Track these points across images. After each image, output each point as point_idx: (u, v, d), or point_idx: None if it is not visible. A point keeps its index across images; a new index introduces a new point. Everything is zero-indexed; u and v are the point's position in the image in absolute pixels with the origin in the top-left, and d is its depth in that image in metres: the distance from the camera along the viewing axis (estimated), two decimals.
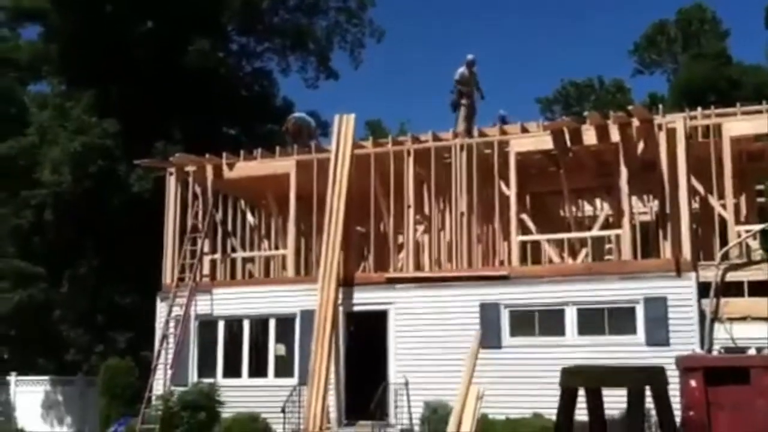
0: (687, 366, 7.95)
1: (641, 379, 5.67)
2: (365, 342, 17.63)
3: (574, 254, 17.73)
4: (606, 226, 18.01)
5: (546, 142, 17.02)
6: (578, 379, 5.71)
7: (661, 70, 53.04)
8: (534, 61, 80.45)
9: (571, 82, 55.13)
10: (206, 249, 19.29)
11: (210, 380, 17.81)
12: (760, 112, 16.60)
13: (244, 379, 18.16)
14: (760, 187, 18.90)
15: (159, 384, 18.25)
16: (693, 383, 7.78)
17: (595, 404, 5.65)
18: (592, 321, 15.87)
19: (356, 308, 17.56)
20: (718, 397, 7.78)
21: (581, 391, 5.59)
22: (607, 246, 18.90)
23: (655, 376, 5.60)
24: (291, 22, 32.23)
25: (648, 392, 5.47)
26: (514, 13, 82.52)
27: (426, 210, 18.55)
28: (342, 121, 18.46)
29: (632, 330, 15.53)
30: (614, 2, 77.98)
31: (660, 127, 16.07)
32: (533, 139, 17.43)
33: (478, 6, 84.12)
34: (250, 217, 20.68)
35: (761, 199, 19.00)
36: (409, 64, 73.57)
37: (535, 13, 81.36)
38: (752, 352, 8.86)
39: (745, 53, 71.28)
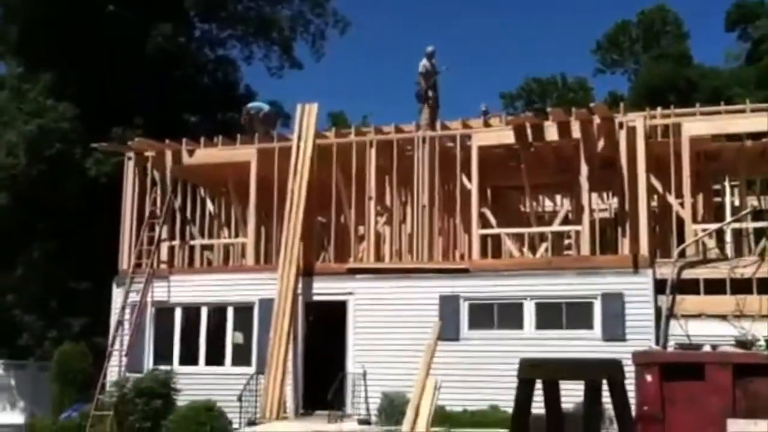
0: (643, 361, 8.04)
1: (599, 372, 5.71)
2: (325, 332, 17.59)
3: (533, 249, 17.87)
4: (566, 221, 18.16)
5: (508, 137, 17.10)
6: (536, 371, 5.73)
7: (623, 69, 53.75)
8: (498, 57, 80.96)
9: (534, 78, 55.60)
10: (164, 236, 19.06)
11: (166, 367, 17.64)
12: (718, 113, 16.87)
13: (201, 367, 18.01)
14: (717, 186, 19.21)
15: (114, 371, 18.03)
16: (649, 378, 7.87)
17: (553, 397, 5.68)
18: (550, 315, 16.01)
19: (316, 298, 17.51)
20: (672, 392, 7.88)
21: (539, 384, 5.63)
22: (567, 241, 19.10)
23: (612, 369, 5.65)
24: (254, 10, 31.94)
25: (605, 385, 5.53)
26: (479, 8, 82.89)
27: (387, 202, 18.54)
28: (304, 110, 18.35)
29: (589, 325, 15.70)
30: (578, 1, 78.68)
31: (620, 125, 16.24)
32: (495, 133, 17.51)
33: (446, 3, 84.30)
34: (210, 205, 20.48)
35: (718, 199, 19.29)
36: (373, 57, 73.60)
37: (500, 8, 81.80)
38: (707, 348, 8.97)
39: (705, 55, 72.37)
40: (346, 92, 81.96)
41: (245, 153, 18.67)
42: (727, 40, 49.33)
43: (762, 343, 8.33)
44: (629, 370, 8.75)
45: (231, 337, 17.98)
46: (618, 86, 49.12)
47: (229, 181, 19.38)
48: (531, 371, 5.71)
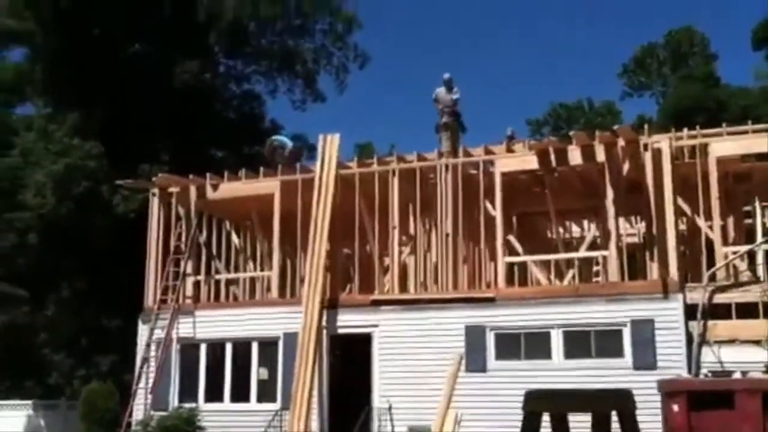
0: (669, 390, 7.73)
1: (606, 404, 5.46)
2: (350, 365, 17.39)
3: (561, 276, 17.55)
4: (593, 247, 17.83)
5: (531, 162, 16.88)
6: (542, 404, 5.49)
7: (650, 92, 53.31)
8: (525, 83, 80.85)
9: (561, 104, 55.35)
10: (189, 270, 19.02)
11: (191, 405, 17.52)
12: (746, 132, 16.51)
13: (226, 404, 17.85)
14: (748, 208, 18.77)
15: (139, 408, 17.93)
16: (676, 408, 7.56)
17: (561, 430, 5.43)
18: (579, 344, 15.65)
19: (340, 331, 17.30)
20: (701, 422, 7.57)
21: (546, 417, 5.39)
22: (595, 268, 18.73)
23: (621, 399, 5.40)
24: (278, 44, 32.21)
25: (615, 416, 5.27)
26: (506, 34, 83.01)
27: (411, 231, 18.36)
28: (326, 141, 18.30)
29: (619, 353, 15.31)
30: (605, 25, 78.52)
31: (645, 147, 15.94)
32: (518, 159, 17.28)
33: (470, 30, 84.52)
34: (234, 238, 20.44)
35: (749, 221, 18.85)
36: (400, 89, 73.85)
37: (526, 35, 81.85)
38: (737, 375, 8.64)
39: (733, 75, 71.71)
40: (373, 124, 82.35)
41: (268, 185, 18.64)
42: (755, 58, 48.72)
43: None
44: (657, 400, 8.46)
45: (256, 373, 17.81)
46: (646, 109, 48.69)
47: (253, 214, 19.35)
48: (536, 404, 5.49)
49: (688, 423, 7.56)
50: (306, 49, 32.81)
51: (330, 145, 18.20)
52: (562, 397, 5.72)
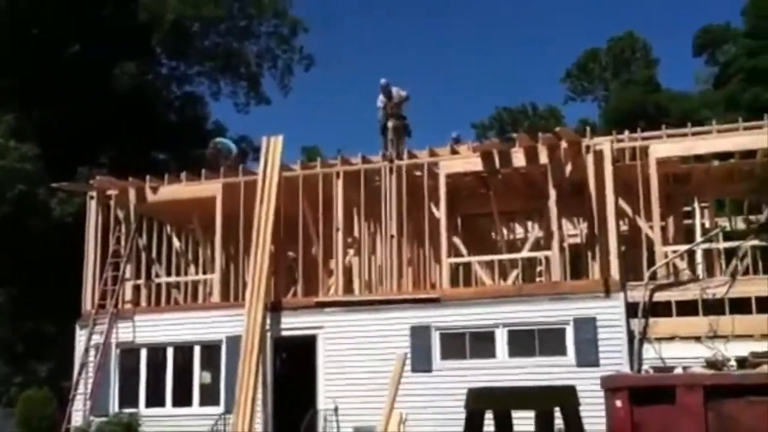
0: (612, 386, 7.76)
1: (550, 400, 5.42)
2: (295, 367, 17.23)
3: (505, 276, 17.63)
4: (537, 247, 17.96)
5: (476, 164, 16.93)
6: (485, 402, 5.43)
7: (593, 97, 54.16)
8: (470, 88, 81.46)
9: (506, 108, 55.90)
10: (128, 275, 18.65)
11: (132, 410, 17.18)
12: (685, 135, 16.79)
13: (168, 409, 17.52)
14: (688, 209, 19.12)
15: (78, 415, 17.51)
16: (618, 404, 7.59)
17: (504, 427, 5.39)
18: (523, 343, 15.74)
19: (285, 333, 17.12)
20: (643, 417, 7.60)
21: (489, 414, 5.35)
22: (539, 268, 18.88)
23: (564, 396, 5.37)
24: (221, 46, 31.82)
25: (558, 413, 5.25)
26: (450, 38, 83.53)
27: (356, 233, 18.27)
28: (269, 143, 18.10)
29: (562, 351, 15.43)
30: (548, 30, 79.55)
31: (587, 149, 16.12)
32: (463, 161, 17.32)
33: (416, 31, 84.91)
34: (176, 242, 20.08)
35: (688, 221, 19.19)
36: (349, 92, 73.76)
37: (471, 39, 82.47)
38: (678, 371, 8.72)
39: (675, 80, 73.25)
40: (321, 128, 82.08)
41: (210, 188, 18.37)
42: (695, 64, 49.91)
43: (733, 363, 8.09)
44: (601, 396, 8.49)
45: (198, 377, 17.54)
46: (589, 113, 49.44)
47: (195, 218, 19.04)
48: (479, 402, 5.42)
49: (630, 418, 7.59)
50: (250, 51, 32.48)
51: (273, 147, 18.01)
52: (505, 395, 5.68)
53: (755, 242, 15.09)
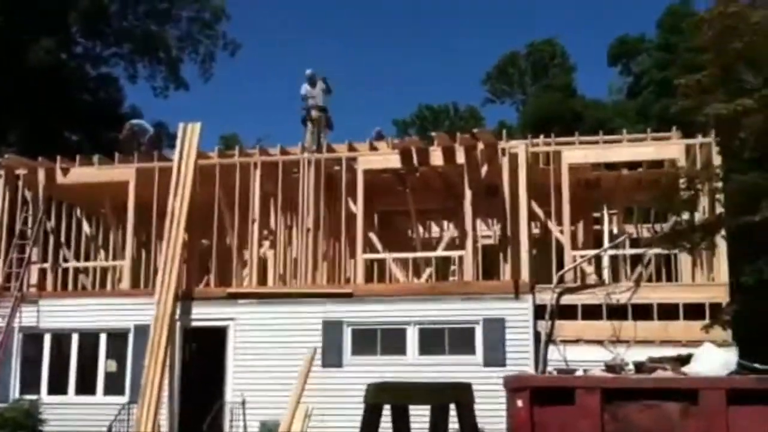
0: (514, 386, 7.94)
1: (445, 396, 5.55)
2: (207, 359, 17.04)
3: (419, 274, 17.82)
4: (452, 247, 18.20)
5: (394, 161, 17.05)
6: (383, 396, 5.53)
7: (512, 100, 55.01)
8: (394, 84, 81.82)
9: (428, 106, 56.29)
10: (35, 258, 18.11)
11: (33, 397, 16.72)
12: (596, 142, 17.26)
13: (71, 397, 17.12)
14: (598, 214, 19.65)
15: None
16: (519, 403, 7.77)
17: (401, 422, 5.49)
18: (434, 340, 15.95)
19: (195, 324, 16.92)
20: (543, 417, 7.81)
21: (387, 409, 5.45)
22: (453, 267, 19.14)
23: (459, 392, 5.51)
24: (140, 27, 31.09)
25: (454, 409, 5.40)
26: (377, 33, 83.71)
27: (272, 225, 18.17)
28: (187, 129, 17.83)
29: (471, 350, 15.70)
30: (472, 32, 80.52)
31: (503, 152, 16.42)
32: (381, 157, 17.43)
33: (340, 26, 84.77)
34: (86, 226, 19.61)
35: (598, 227, 19.73)
36: (272, 82, 73.13)
37: (398, 35, 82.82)
38: (579, 373, 8.98)
39: (591, 88, 75.05)
40: (243, 116, 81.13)
41: (123, 173, 17.99)
42: (611, 73, 51.30)
43: (631, 367, 8.39)
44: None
45: (104, 365, 17.19)
46: (507, 116, 50.26)
47: (107, 202, 18.63)
48: (377, 395, 5.51)
49: (530, 418, 7.78)
50: (171, 35, 31.82)
51: (191, 134, 17.75)
52: (403, 390, 5.78)
53: (658, 250, 15.61)
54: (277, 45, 79.75)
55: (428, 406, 5.69)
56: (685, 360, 8.27)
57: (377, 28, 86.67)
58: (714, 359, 8.11)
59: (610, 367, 8.40)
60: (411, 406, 5.66)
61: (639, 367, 8.33)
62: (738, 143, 9.87)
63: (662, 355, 8.70)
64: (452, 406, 5.54)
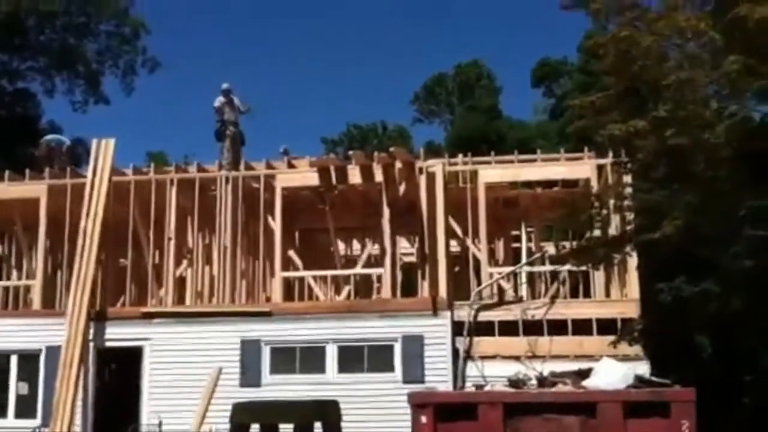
0: (417, 402, 7.99)
1: (310, 414, 5.57)
2: (123, 380, 16.70)
3: (339, 292, 17.80)
4: (373, 264, 18.23)
5: (313, 179, 17.03)
6: (248, 415, 5.52)
7: (440, 119, 55.62)
8: (322, 102, 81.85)
9: (356, 125, 56.48)
10: None
11: None
12: (511, 161, 17.56)
13: None
14: (517, 232, 19.94)
15: None
16: (423, 419, 7.82)
17: None
18: (353, 358, 15.92)
19: (109, 344, 16.56)
20: None
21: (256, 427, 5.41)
22: (376, 285, 19.17)
23: (325, 410, 5.53)
24: (57, 41, 30.43)
25: (320, 427, 5.40)
26: (306, 49, 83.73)
27: (190, 243, 17.94)
28: (100, 145, 17.51)
29: (390, 367, 15.72)
30: (398, 52, 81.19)
31: (421, 170, 16.56)
32: (300, 175, 17.40)
33: (268, 42, 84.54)
34: None
35: (516, 244, 20.02)
36: (198, 98, 72.36)
37: (325, 53, 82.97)
38: (488, 389, 9.09)
39: (517, 109, 76.41)
40: (169, 133, 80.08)
41: (34, 189, 17.56)
42: (535, 95, 52.36)
43: (534, 381, 8.51)
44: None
45: (15, 387, 16.68)
46: (435, 136, 50.76)
47: (17, 219, 18.14)
48: (243, 415, 5.50)
49: None
50: (89, 49, 31.22)
51: (105, 150, 17.42)
52: (267, 408, 5.79)
53: (569, 267, 15.92)
54: (203, 61, 79.06)
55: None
56: (586, 374, 8.43)
57: (306, 45, 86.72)
58: (613, 373, 8.29)
59: (513, 383, 8.51)
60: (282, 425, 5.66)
61: (541, 381, 8.46)
62: (638, 163, 10.17)
63: (563, 370, 8.86)
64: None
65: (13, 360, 16.80)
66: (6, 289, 18.54)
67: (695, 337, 17.17)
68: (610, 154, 14.47)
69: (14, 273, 19.06)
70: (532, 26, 77.79)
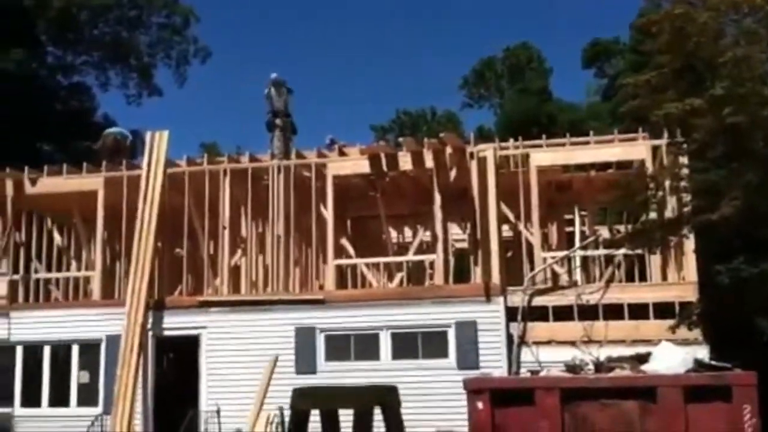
0: (474, 388, 7.98)
1: (369, 400, 5.57)
2: (181, 368, 16.99)
3: (391, 279, 17.83)
4: (425, 250, 18.21)
5: (364, 167, 17.06)
6: (307, 401, 5.55)
7: (489, 104, 55.18)
8: (372, 90, 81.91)
9: (405, 111, 56.36)
10: (4, 269, 17.98)
11: (6, 410, 16.70)
12: (563, 144, 17.34)
13: (44, 409, 17.06)
14: (570, 216, 19.72)
15: None
16: (480, 405, 7.81)
17: (330, 426, 5.51)
18: (406, 345, 15.95)
19: (167, 333, 16.87)
20: (504, 418, 7.85)
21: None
22: (429, 271, 19.15)
23: (385, 396, 5.52)
24: (110, 35, 30.89)
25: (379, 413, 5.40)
26: (355, 39, 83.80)
27: (243, 232, 18.13)
28: (154, 137, 17.78)
29: (444, 354, 15.71)
30: (448, 37, 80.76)
31: (471, 155, 16.46)
32: (351, 163, 17.44)
33: (321, 33, 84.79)
34: (57, 236, 19.49)
35: (570, 228, 19.79)
36: (243, 87, 72.80)
37: (373, 40, 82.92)
38: (544, 374, 9.02)
39: (565, 91, 75.47)
40: (222, 123, 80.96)
41: (92, 182, 17.92)
42: (587, 76, 51.57)
43: (591, 367, 8.42)
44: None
45: (76, 376, 17.10)
46: (485, 120, 50.36)
47: (76, 212, 18.53)
48: (302, 401, 5.53)
49: (491, 420, 7.82)
50: (141, 42, 31.65)
51: (159, 142, 17.69)
52: (327, 394, 5.82)
53: (625, 251, 15.69)
54: (253, 50, 79.66)
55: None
56: (644, 359, 8.32)
57: (355, 32, 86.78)
58: (672, 357, 8.17)
59: (569, 368, 8.44)
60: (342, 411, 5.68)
61: (598, 366, 8.37)
62: (695, 143, 9.95)
63: (620, 355, 8.75)
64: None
65: (75, 350, 17.21)
66: (66, 280, 18.98)
67: (755, 320, 16.79)
68: (665, 134, 14.17)
69: (74, 264, 19.50)
70: (582, 6, 76.64)
